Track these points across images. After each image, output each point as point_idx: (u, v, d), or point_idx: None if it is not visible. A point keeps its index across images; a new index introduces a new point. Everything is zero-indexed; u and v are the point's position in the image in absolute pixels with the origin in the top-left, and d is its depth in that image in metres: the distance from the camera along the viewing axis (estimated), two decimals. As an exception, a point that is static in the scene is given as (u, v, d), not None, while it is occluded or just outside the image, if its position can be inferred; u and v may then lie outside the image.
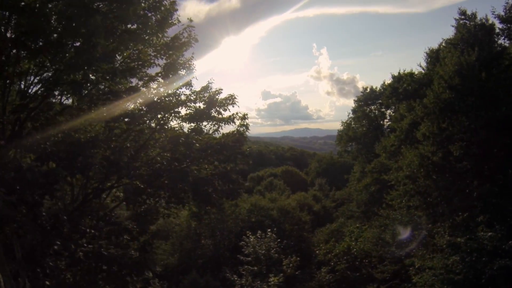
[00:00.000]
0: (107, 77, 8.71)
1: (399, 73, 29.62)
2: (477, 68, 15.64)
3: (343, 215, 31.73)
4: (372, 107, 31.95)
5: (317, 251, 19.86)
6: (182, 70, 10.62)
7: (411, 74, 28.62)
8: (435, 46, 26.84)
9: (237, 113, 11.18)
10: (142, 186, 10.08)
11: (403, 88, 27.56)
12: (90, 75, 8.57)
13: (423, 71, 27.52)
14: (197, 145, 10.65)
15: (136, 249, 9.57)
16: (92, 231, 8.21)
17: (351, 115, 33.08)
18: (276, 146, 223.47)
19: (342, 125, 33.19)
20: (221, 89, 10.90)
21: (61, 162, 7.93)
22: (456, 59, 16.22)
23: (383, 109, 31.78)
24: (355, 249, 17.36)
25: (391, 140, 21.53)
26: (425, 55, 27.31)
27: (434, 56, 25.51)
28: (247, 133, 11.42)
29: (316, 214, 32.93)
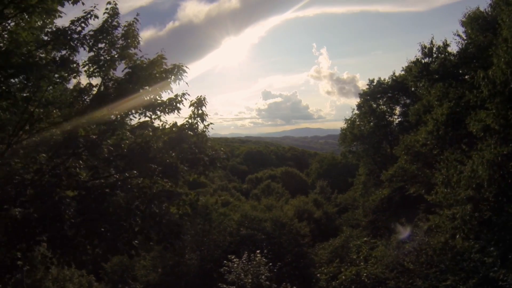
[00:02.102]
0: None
1: (432, 43, 20.40)
2: None
3: (347, 223, 28.34)
4: (380, 101, 28.12)
5: (318, 275, 16.38)
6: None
7: (445, 46, 20.13)
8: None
9: (183, 94, 7.76)
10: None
11: (440, 62, 19.03)
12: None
13: (463, 40, 19.82)
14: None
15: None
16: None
17: (355, 111, 29.42)
18: (277, 146, 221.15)
19: (345, 123, 29.49)
20: (164, 57, 7.53)
21: None
22: None
23: (391, 104, 28.03)
24: (365, 274, 13.94)
25: (420, 136, 16.59)
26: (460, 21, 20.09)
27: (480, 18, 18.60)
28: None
29: (317, 222, 29.53)
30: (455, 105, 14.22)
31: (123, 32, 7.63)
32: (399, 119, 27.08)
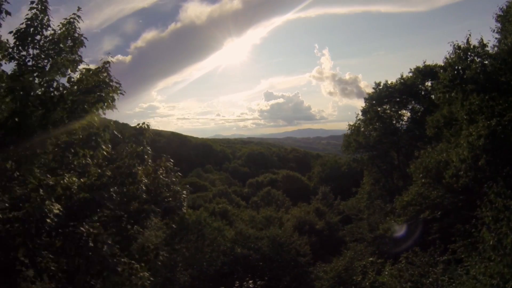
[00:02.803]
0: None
1: (468, 42, 16.00)
2: None
3: (350, 234, 26.62)
4: (387, 106, 25.99)
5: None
6: None
7: (482, 46, 15.83)
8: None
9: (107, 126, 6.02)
10: None
11: (479, 68, 14.77)
12: None
13: (497, 36, 16.67)
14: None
15: None
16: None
17: (360, 116, 27.51)
18: (279, 147, 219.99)
19: (349, 128, 27.53)
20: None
21: None
22: None
23: (399, 109, 26.06)
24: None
25: (446, 157, 13.22)
26: (495, 16, 17.14)
27: None
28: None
29: (318, 234, 27.84)
30: (496, 124, 11.23)
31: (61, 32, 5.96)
32: (408, 124, 25.06)
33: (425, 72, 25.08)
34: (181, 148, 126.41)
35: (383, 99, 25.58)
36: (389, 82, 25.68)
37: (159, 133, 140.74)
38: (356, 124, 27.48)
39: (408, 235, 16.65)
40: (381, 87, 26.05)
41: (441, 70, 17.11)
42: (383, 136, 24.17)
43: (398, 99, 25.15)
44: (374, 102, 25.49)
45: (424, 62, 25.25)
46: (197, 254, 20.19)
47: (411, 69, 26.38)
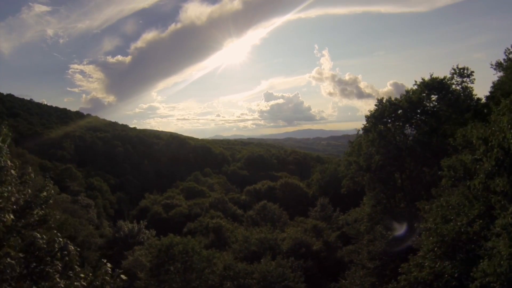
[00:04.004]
0: None
1: None
2: None
3: (349, 256, 25.26)
4: (389, 125, 24.03)
5: None
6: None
7: None
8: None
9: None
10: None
11: None
12: None
13: None
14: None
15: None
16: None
17: (361, 132, 25.75)
18: (279, 148, 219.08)
19: (349, 146, 25.83)
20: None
21: None
22: None
23: (401, 124, 24.21)
24: None
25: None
26: None
27: None
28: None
29: (316, 256, 26.45)
30: None
31: None
32: (413, 143, 23.21)
33: (431, 87, 23.53)
34: (180, 151, 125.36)
35: (386, 117, 23.79)
36: (393, 99, 23.86)
37: (158, 136, 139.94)
38: (357, 142, 25.61)
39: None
40: (384, 102, 24.19)
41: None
42: (386, 161, 22.22)
43: (402, 118, 23.19)
44: (375, 120, 23.51)
45: (431, 75, 23.71)
46: (184, 287, 18.89)
47: (416, 82, 24.77)
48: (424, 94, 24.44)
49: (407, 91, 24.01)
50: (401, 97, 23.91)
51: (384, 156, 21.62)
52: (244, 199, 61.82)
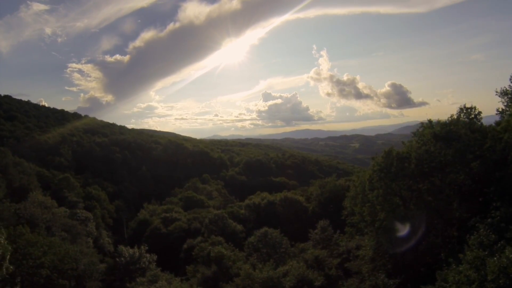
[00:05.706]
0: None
1: None
2: None
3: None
4: (399, 182, 21.68)
5: None
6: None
7: None
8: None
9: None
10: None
11: None
12: None
13: None
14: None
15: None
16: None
17: (365, 182, 23.69)
18: (277, 149, 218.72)
19: (352, 187, 25.31)
20: None
21: None
22: None
23: (411, 182, 21.85)
24: None
25: None
26: None
27: None
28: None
29: (317, 293, 26.60)
30: None
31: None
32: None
33: (443, 137, 21.92)
34: (178, 156, 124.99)
35: (394, 173, 21.94)
36: (403, 153, 22.23)
37: (156, 140, 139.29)
38: (361, 188, 24.62)
39: None
40: (393, 154, 22.35)
41: None
42: (390, 223, 21.38)
43: (410, 175, 21.76)
44: (382, 174, 22.04)
45: (438, 121, 22.84)
46: None
47: (423, 124, 23.90)
48: (437, 148, 22.58)
49: (417, 142, 22.96)
50: (409, 150, 22.96)
51: (389, 216, 20.85)
52: (244, 213, 61.87)
